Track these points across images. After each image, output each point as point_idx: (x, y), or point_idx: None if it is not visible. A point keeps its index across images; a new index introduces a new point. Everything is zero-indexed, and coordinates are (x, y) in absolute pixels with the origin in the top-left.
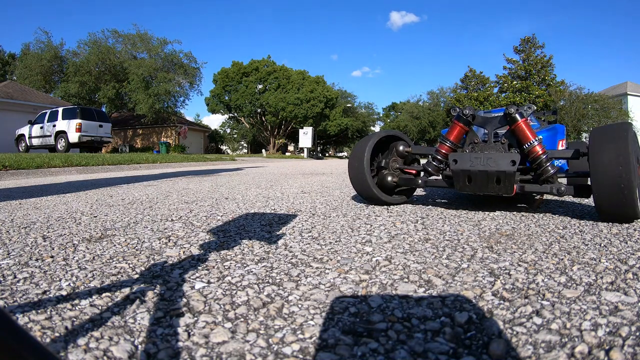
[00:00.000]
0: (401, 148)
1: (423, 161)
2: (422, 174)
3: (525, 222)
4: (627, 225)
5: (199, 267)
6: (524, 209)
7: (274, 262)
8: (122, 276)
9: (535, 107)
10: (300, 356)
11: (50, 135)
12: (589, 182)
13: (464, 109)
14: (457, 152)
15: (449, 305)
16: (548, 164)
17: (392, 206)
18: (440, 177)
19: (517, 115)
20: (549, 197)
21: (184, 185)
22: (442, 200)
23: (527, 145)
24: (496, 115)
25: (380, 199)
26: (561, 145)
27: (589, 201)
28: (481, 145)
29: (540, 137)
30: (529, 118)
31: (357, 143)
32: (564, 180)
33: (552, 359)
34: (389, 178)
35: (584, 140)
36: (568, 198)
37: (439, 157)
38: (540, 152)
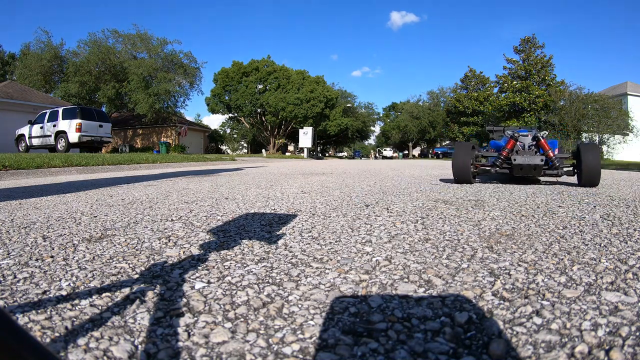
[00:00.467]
0: (477, 152)
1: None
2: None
3: (525, 222)
4: (627, 225)
5: (199, 267)
6: (524, 210)
7: (274, 262)
8: (122, 276)
9: (547, 132)
10: (300, 356)
11: (50, 135)
12: (570, 168)
13: (514, 131)
14: (509, 155)
15: (449, 305)
16: (556, 159)
17: (393, 206)
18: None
19: (540, 137)
20: (548, 195)
21: (184, 185)
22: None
23: (546, 152)
24: (527, 134)
25: (471, 181)
26: (557, 151)
27: (589, 201)
28: (522, 151)
29: (552, 148)
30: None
31: (458, 147)
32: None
33: (552, 359)
34: (472, 169)
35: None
36: (570, 196)
37: (501, 158)
38: (552, 156)
